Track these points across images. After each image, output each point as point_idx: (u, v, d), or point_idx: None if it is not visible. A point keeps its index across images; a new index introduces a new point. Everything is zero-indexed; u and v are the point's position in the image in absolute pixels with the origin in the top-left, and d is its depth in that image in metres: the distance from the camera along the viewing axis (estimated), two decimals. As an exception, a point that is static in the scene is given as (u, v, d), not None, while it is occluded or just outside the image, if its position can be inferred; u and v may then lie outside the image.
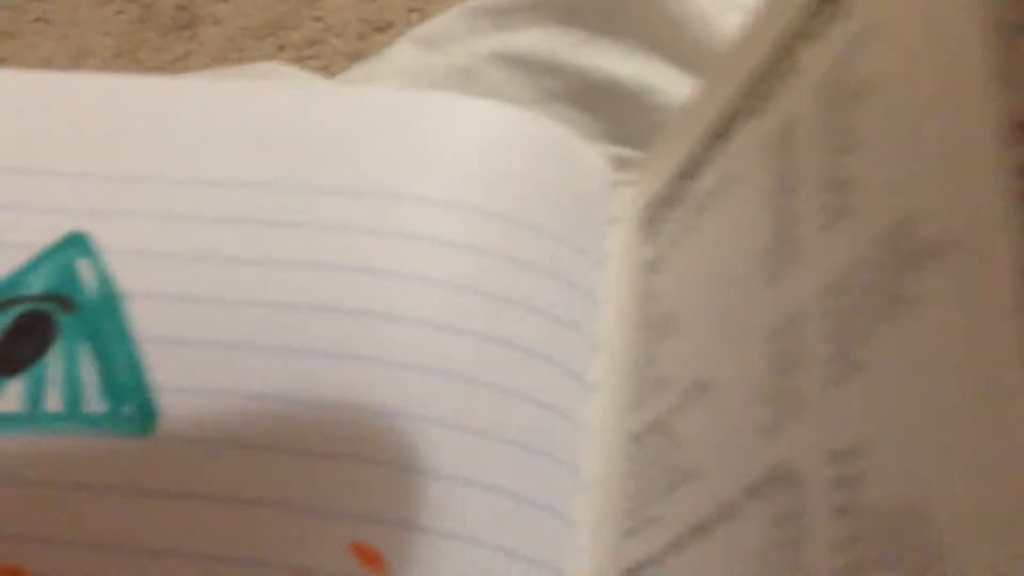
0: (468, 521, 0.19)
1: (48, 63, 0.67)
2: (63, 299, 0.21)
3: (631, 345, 0.21)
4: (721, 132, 0.20)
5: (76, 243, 0.22)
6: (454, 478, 0.20)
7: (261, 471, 0.19)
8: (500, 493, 0.20)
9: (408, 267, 0.22)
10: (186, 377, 0.20)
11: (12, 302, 0.21)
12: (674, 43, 0.27)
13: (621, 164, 0.26)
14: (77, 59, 0.68)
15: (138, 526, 0.18)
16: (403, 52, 0.33)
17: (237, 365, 0.20)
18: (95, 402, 0.20)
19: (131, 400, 0.20)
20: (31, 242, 0.22)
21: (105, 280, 0.21)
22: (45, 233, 0.22)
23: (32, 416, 0.19)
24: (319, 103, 0.25)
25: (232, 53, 0.68)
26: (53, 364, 0.20)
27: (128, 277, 0.21)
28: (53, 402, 0.20)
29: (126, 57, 0.68)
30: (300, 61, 0.66)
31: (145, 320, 0.21)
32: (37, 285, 0.21)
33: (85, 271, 0.21)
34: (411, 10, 0.70)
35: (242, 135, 0.24)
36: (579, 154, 0.25)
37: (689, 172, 0.22)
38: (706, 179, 0.21)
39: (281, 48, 0.68)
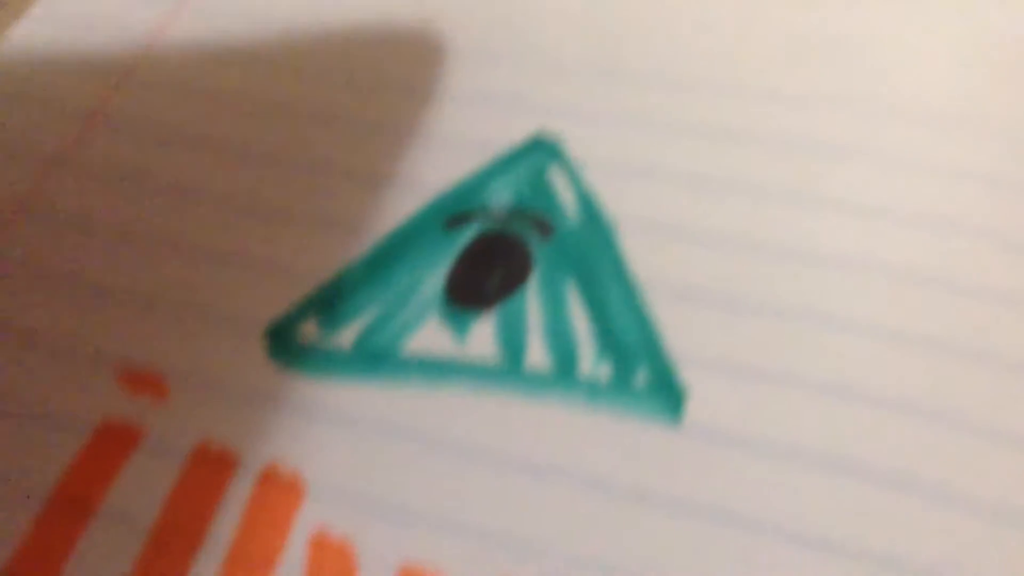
0: None
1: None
2: (539, 221, 0.16)
3: None
4: None
5: (545, 148, 0.17)
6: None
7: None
8: None
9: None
10: (710, 346, 0.14)
11: (474, 214, 0.16)
12: None
13: None
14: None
15: (654, 545, 0.13)
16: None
17: (763, 336, 0.14)
18: (592, 363, 0.14)
19: (642, 365, 0.14)
20: (489, 139, 0.17)
21: (587, 200, 0.16)
22: (505, 131, 0.17)
23: (511, 372, 0.14)
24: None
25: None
26: (532, 304, 0.15)
27: (613, 199, 0.16)
28: (536, 355, 0.14)
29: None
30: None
31: (641, 260, 0.15)
32: (503, 195, 0.16)
33: (560, 187, 0.16)
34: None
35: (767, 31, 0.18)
36: None
37: None
38: None
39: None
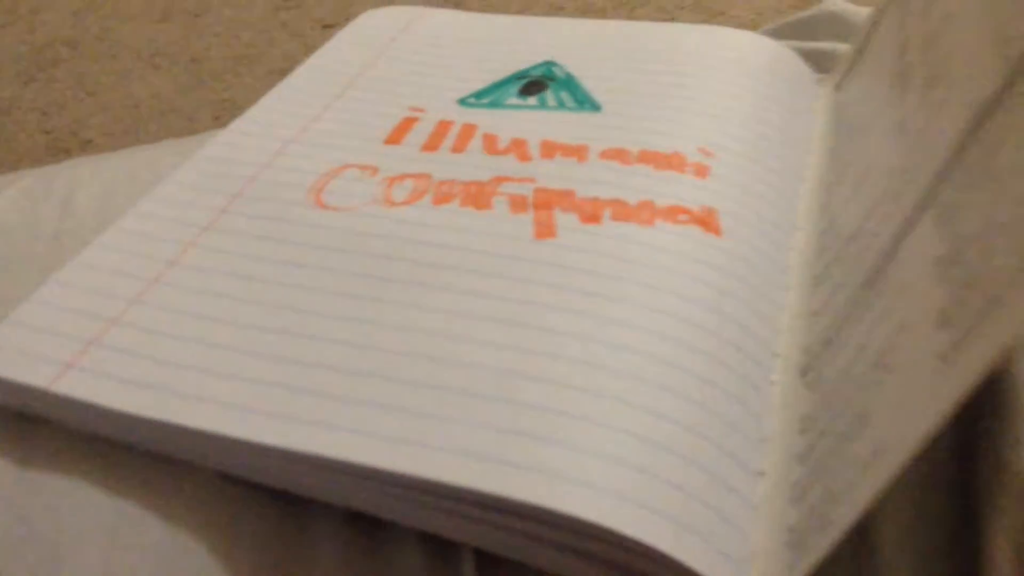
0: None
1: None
2: (550, 77, 0.44)
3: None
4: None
5: (550, 63, 0.45)
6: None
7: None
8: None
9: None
10: (605, 93, 0.42)
11: (525, 76, 0.44)
12: None
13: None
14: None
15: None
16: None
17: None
18: (571, 104, 0.42)
19: (589, 104, 0.41)
20: (529, 61, 0.45)
21: (567, 73, 0.44)
22: (534, 58, 0.46)
23: (541, 107, 0.42)
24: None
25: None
26: (549, 95, 0.43)
27: (575, 71, 0.44)
28: (552, 104, 0.42)
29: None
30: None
31: (586, 81, 0.43)
32: (536, 72, 0.44)
33: (557, 71, 0.44)
34: None
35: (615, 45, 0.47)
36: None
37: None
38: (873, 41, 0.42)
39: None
